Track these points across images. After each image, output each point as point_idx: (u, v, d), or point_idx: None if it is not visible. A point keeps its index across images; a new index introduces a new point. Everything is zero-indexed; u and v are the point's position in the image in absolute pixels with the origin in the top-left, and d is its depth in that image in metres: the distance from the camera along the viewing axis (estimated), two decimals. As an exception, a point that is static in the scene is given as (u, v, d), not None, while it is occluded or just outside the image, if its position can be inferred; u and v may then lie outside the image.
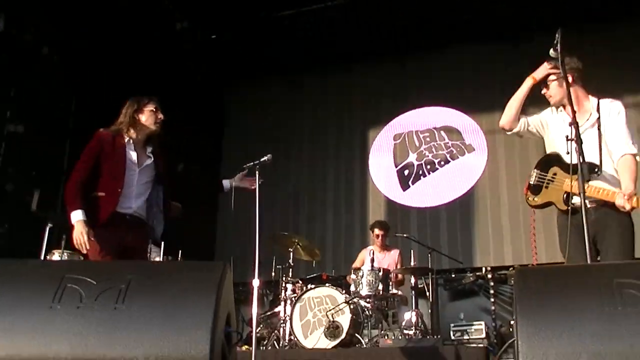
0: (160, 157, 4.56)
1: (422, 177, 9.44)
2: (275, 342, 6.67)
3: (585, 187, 3.28)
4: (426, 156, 9.54)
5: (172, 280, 2.60)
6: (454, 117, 9.60)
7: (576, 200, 3.56)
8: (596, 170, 3.62)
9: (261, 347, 6.62)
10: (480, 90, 9.46)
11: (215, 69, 9.96)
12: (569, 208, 3.61)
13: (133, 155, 4.40)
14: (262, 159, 4.74)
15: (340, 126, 10.16)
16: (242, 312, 7.36)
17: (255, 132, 10.52)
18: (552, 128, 4.05)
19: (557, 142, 3.95)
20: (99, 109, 5.92)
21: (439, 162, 9.45)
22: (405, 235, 7.35)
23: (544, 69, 3.94)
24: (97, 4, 7.69)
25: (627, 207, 3.53)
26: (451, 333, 7.10)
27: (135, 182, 4.33)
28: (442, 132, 9.58)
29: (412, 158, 9.61)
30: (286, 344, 6.33)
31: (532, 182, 4.02)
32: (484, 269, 8.38)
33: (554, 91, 3.98)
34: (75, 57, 7.89)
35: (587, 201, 3.22)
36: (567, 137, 3.32)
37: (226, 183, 4.76)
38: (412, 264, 6.87)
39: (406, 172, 9.57)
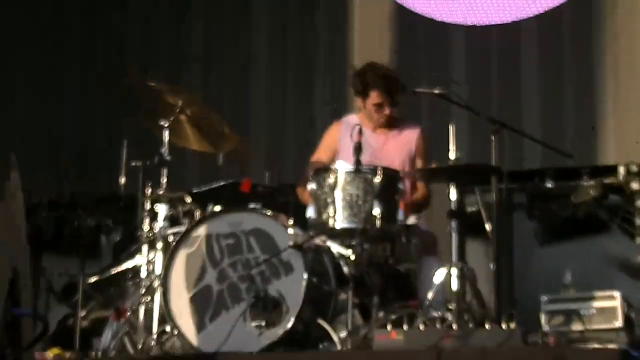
0: None
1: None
2: (127, 338, 4.35)
3: None
4: None
5: None
6: None
7: None
8: None
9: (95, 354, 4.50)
10: None
11: None
12: None
13: None
14: None
15: None
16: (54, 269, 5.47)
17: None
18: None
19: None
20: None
21: None
22: (436, 91, 4.27)
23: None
24: None
25: None
26: (542, 316, 4.36)
27: None
28: None
29: None
30: (153, 343, 4.21)
31: None
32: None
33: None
34: None
35: None
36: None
37: None
38: (452, 156, 4.27)
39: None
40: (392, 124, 4.69)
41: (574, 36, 5.96)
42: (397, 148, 4.65)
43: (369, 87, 4.57)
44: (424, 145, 4.72)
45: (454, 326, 3.86)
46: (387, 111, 4.54)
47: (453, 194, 4.15)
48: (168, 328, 4.04)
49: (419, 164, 4.59)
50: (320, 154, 4.75)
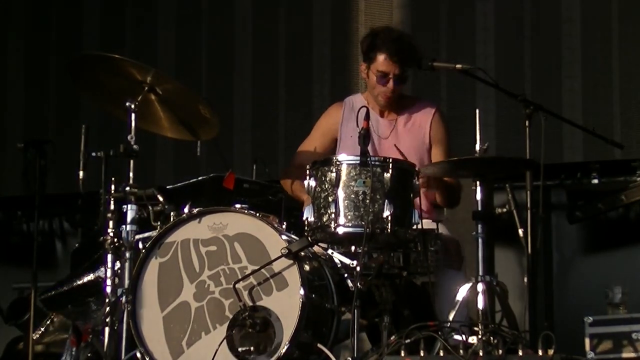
0: None
1: None
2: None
3: None
4: None
5: None
6: None
7: None
8: None
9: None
10: None
11: None
12: None
13: None
14: None
15: None
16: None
17: None
18: None
19: None
20: None
21: None
22: (458, 66, 4.22)
23: None
24: None
25: None
26: (586, 341, 4.06)
27: None
28: None
29: None
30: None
31: None
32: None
33: None
34: None
35: None
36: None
37: None
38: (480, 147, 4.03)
39: None
40: (403, 105, 4.36)
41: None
42: (408, 135, 4.34)
43: (376, 49, 4.31)
44: (442, 129, 4.40)
45: (481, 352, 3.64)
46: (390, 84, 4.21)
47: (479, 192, 3.88)
48: (138, 354, 3.79)
49: (436, 154, 4.31)
50: (314, 142, 4.47)
